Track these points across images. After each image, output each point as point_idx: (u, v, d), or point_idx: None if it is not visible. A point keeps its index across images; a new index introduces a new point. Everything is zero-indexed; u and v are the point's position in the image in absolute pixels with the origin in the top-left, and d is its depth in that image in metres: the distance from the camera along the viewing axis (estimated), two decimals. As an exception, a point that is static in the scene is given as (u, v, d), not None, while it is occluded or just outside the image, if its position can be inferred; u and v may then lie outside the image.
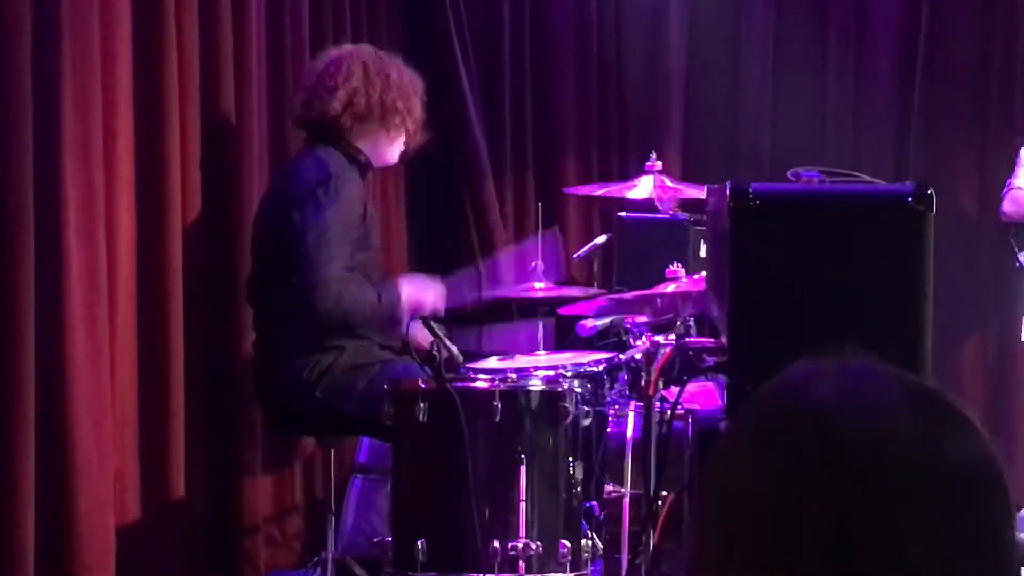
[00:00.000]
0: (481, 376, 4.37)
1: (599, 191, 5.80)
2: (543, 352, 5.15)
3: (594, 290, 5.73)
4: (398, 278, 4.91)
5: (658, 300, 4.71)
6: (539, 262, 5.29)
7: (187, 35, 4.84)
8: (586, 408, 4.38)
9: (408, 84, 4.90)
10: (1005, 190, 6.16)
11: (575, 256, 5.95)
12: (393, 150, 4.93)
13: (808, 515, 1.08)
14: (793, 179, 3.35)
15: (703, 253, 5.35)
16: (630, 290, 5.05)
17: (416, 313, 4.66)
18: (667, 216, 5.49)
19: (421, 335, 4.72)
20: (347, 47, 5.04)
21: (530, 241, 5.42)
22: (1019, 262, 6.11)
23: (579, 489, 4.35)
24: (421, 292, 4.75)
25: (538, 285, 5.27)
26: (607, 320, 5.06)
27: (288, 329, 4.67)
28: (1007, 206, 6.10)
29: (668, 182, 5.48)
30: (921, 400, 1.12)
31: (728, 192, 3.14)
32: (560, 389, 4.30)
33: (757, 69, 6.85)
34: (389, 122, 4.84)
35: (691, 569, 1.17)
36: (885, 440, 1.09)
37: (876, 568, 1.07)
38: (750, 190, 3.11)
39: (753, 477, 1.13)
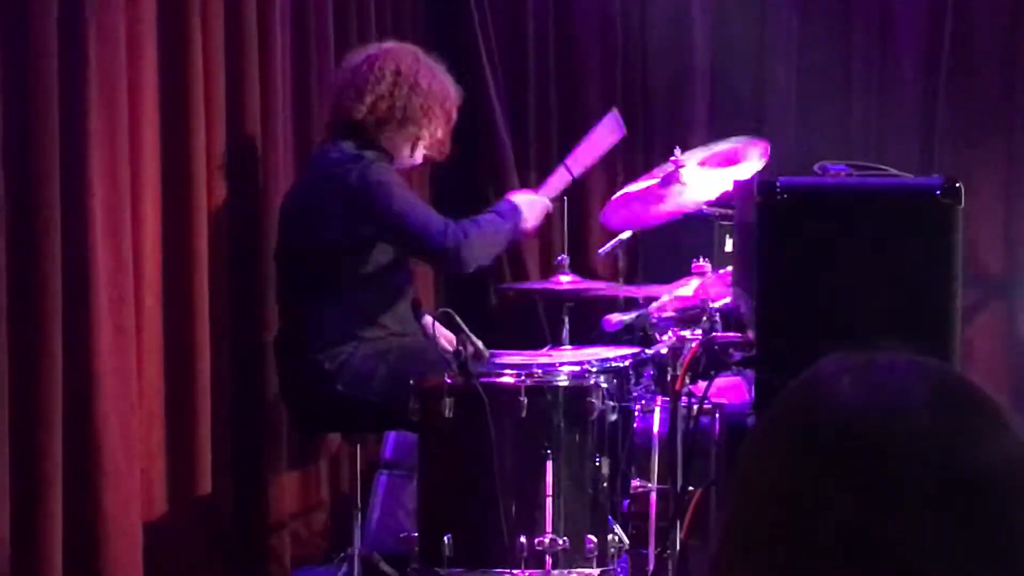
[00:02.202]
0: (507, 371, 4.36)
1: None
2: (569, 347, 5.14)
3: (619, 285, 5.72)
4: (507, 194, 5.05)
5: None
6: (565, 256, 5.28)
7: (212, 28, 4.85)
8: (612, 403, 4.37)
9: (438, 93, 4.85)
10: None
11: (600, 252, 5.93)
12: (408, 154, 4.88)
13: (820, 518, 1.07)
14: (820, 173, 3.34)
15: (729, 247, 5.33)
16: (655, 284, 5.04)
17: (536, 220, 4.89)
18: (693, 211, 5.47)
19: (444, 335, 4.73)
20: (386, 45, 4.98)
21: (596, 126, 5.41)
22: None
23: (605, 485, 4.35)
24: (535, 202, 4.93)
25: (564, 279, 5.26)
26: (633, 315, 5.05)
27: (307, 325, 4.67)
28: None
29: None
30: (949, 399, 1.10)
31: (755, 186, 3.13)
32: (586, 384, 4.29)
33: (782, 65, 6.83)
34: (407, 129, 4.80)
35: (714, 562, 1.16)
36: (901, 442, 1.06)
37: None
38: (777, 184, 3.10)
39: (772, 473, 1.12)
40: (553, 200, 5.12)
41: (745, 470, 1.15)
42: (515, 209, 4.84)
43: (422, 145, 4.87)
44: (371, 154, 4.72)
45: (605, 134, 5.30)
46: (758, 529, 1.12)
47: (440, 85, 4.88)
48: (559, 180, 5.15)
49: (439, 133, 4.90)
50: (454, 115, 4.95)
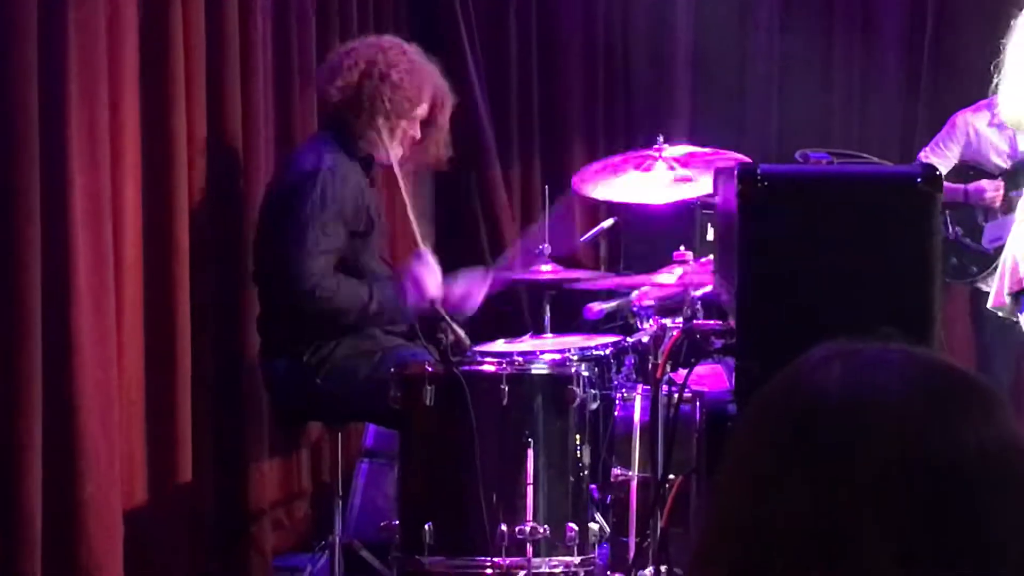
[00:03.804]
0: (488, 360, 4.36)
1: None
2: (550, 335, 5.14)
3: (601, 273, 5.72)
4: (401, 270, 4.76)
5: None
6: (546, 244, 5.27)
7: (193, 18, 4.84)
8: (593, 391, 4.38)
9: (408, 89, 4.75)
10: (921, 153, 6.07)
11: (582, 240, 5.93)
12: (385, 148, 4.76)
13: (777, 508, 1.07)
14: (801, 161, 3.34)
15: (710, 236, 5.34)
16: (637, 273, 5.04)
17: (421, 302, 4.60)
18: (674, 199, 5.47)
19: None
20: (373, 38, 4.95)
21: (539, 225, 5.37)
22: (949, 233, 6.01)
23: (586, 473, 4.35)
24: (421, 283, 4.63)
25: (545, 268, 5.26)
26: (614, 303, 5.05)
27: (288, 316, 4.66)
28: None
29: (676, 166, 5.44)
30: (929, 389, 1.09)
31: (736, 174, 3.13)
32: (567, 372, 4.30)
33: (763, 52, 6.84)
34: (376, 120, 4.71)
35: (694, 546, 1.16)
36: (874, 433, 1.06)
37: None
38: (758, 172, 3.10)
39: (747, 457, 1.12)
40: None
41: (726, 453, 1.15)
42: (396, 298, 4.64)
43: (396, 141, 4.80)
44: (337, 167, 4.65)
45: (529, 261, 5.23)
46: (726, 518, 1.11)
47: (414, 83, 4.76)
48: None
49: (412, 131, 4.79)
50: (440, 119, 4.86)
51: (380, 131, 4.74)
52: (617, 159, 5.32)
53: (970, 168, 6.02)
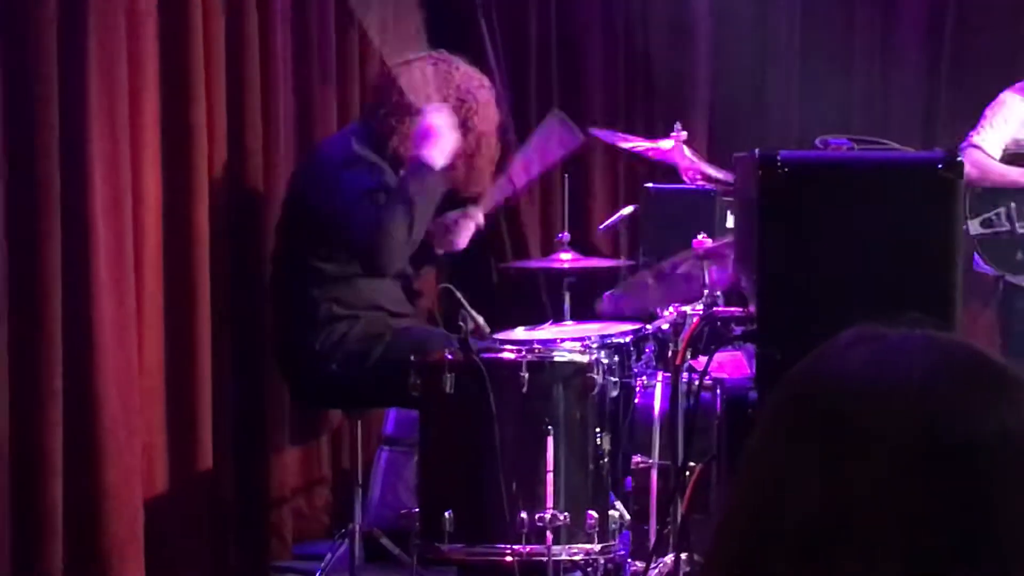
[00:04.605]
0: (508, 347, 4.36)
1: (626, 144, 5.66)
2: (570, 323, 5.14)
3: (621, 261, 5.71)
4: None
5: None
6: (566, 233, 5.26)
7: (213, 13, 4.84)
8: (613, 379, 4.37)
9: (410, 106, 4.66)
10: (964, 143, 5.87)
11: (601, 228, 5.92)
12: (399, 148, 4.68)
13: (798, 486, 1.05)
14: (822, 147, 3.33)
15: (730, 223, 5.32)
16: (657, 261, 5.02)
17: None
18: (693, 186, 5.46)
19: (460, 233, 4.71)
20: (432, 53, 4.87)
21: (540, 129, 5.26)
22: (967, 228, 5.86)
23: (606, 460, 4.35)
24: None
25: (564, 256, 5.25)
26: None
27: (301, 303, 4.67)
28: (968, 168, 5.79)
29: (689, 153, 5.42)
30: (950, 374, 1.07)
31: (756, 160, 3.12)
32: (587, 360, 4.29)
33: (784, 38, 6.82)
34: (389, 121, 4.69)
35: (712, 537, 1.14)
36: (896, 418, 1.04)
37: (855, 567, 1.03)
38: (778, 158, 3.10)
39: (767, 439, 1.11)
40: (488, 212, 4.95)
41: (746, 443, 1.14)
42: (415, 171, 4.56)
43: (405, 143, 4.68)
44: (360, 150, 4.63)
45: (553, 140, 5.10)
46: (738, 510, 1.11)
47: (420, 94, 4.69)
48: (498, 192, 5.00)
49: (408, 144, 4.65)
50: (477, 128, 4.78)
51: (391, 131, 4.70)
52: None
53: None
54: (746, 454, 1.13)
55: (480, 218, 4.90)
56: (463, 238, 4.87)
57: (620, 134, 5.78)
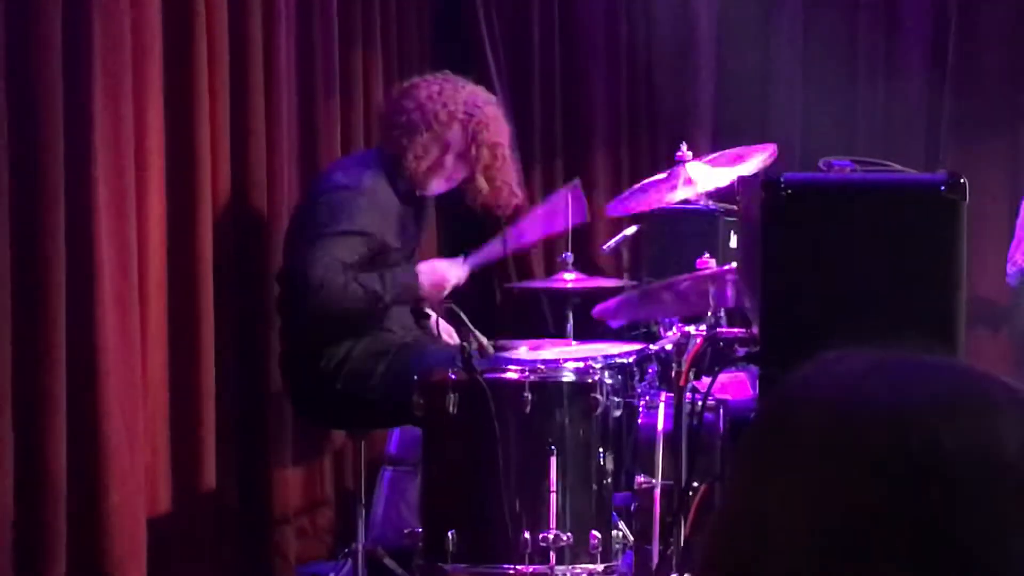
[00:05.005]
0: (511, 367, 4.36)
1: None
2: (573, 343, 5.14)
3: (624, 281, 5.71)
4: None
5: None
6: (569, 254, 5.27)
7: (217, 29, 4.85)
8: (616, 399, 4.37)
9: (427, 112, 4.72)
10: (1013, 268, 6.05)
11: (604, 247, 5.93)
12: (414, 165, 4.75)
13: (779, 521, 1.04)
14: (825, 168, 3.34)
15: (734, 243, 5.33)
16: (660, 281, 5.03)
17: (438, 290, 4.66)
18: (697, 206, 5.47)
19: (446, 330, 4.73)
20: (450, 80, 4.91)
21: (554, 196, 5.31)
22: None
23: (610, 480, 4.35)
24: (439, 270, 4.74)
25: (568, 276, 5.26)
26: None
27: (305, 321, 4.67)
28: None
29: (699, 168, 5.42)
30: (938, 399, 1.05)
31: (760, 182, 3.13)
32: (590, 380, 4.29)
33: (787, 59, 6.83)
34: (398, 138, 4.73)
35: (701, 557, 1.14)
36: (898, 441, 1.02)
37: None
38: (782, 180, 3.10)
39: (746, 470, 1.10)
40: (477, 268, 4.96)
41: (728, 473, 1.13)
42: (408, 283, 4.64)
43: (419, 162, 4.75)
44: (370, 181, 4.66)
45: (561, 211, 5.10)
46: (721, 546, 1.11)
47: (438, 109, 4.73)
48: (491, 251, 4.99)
49: (428, 161, 4.74)
50: (482, 145, 4.81)
51: (402, 150, 4.73)
52: (646, 184, 5.33)
53: None
54: (726, 487, 1.12)
55: (464, 275, 4.85)
56: (447, 335, 4.86)
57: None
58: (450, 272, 4.75)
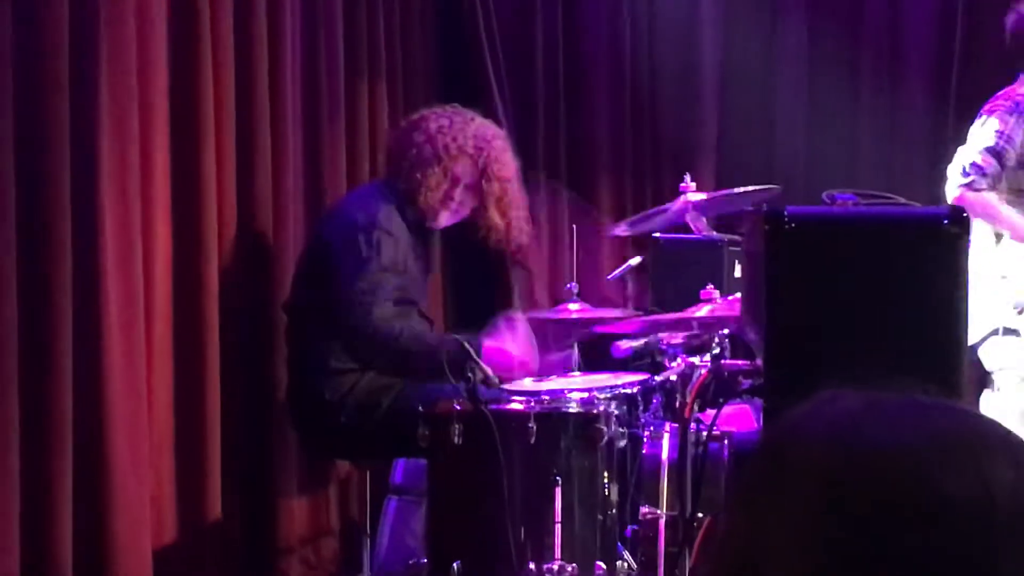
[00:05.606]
0: (516, 398, 4.37)
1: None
2: (578, 374, 5.15)
3: (629, 311, 5.72)
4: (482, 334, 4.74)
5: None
6: (574, 283, 5.28)
7: (222, 59, 4.87)
8: (621, 430, 4.38)
9: (438, 147, 4.79)
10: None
11: (609, 277, 5.95)
12: (424, 201, 4.81)
13: (779, 553, 1.06)
14: (828, 202, 3.36)
15: (738, 274, 5.35)
16: (665, 312, 5.05)
17: (504, 373, 4.60)
18: (702, 237, 5.49)
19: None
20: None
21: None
22: None
23: (614, 511, 4.35)
24: (505, 350, 4.66)
25: (573, 307, 5.27)
26: (642, 341, 5.06)
27: (311, 353, 4.70)
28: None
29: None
30: (925, 441, 1.06)
31: (763, 215, 3.15)
32: (595, 411, 4.30)
33: (790, 90, 6.85)
34: (412, 175, 4.80)
35: None
36: (890, 484, 1.04)
37: None
38: (785, 213, 3.12)
39: (744, 502, 1.12)
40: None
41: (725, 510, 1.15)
42: (471, 349, 4.53)
43: (429, 195, 4.81)
44: (388, 226, 4.71)
45: (556, 367, 5.10)
46: (720, 569, 1.11)
47: (448, 142, 4.80)
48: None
49: (439, 194, 4.81)
50: (493, 183, 4.86)
51: (417, 184, 4.77)
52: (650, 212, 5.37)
53: None
54: (725, 522, 1.14)
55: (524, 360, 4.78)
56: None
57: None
58: (514, 351, 4.69)
